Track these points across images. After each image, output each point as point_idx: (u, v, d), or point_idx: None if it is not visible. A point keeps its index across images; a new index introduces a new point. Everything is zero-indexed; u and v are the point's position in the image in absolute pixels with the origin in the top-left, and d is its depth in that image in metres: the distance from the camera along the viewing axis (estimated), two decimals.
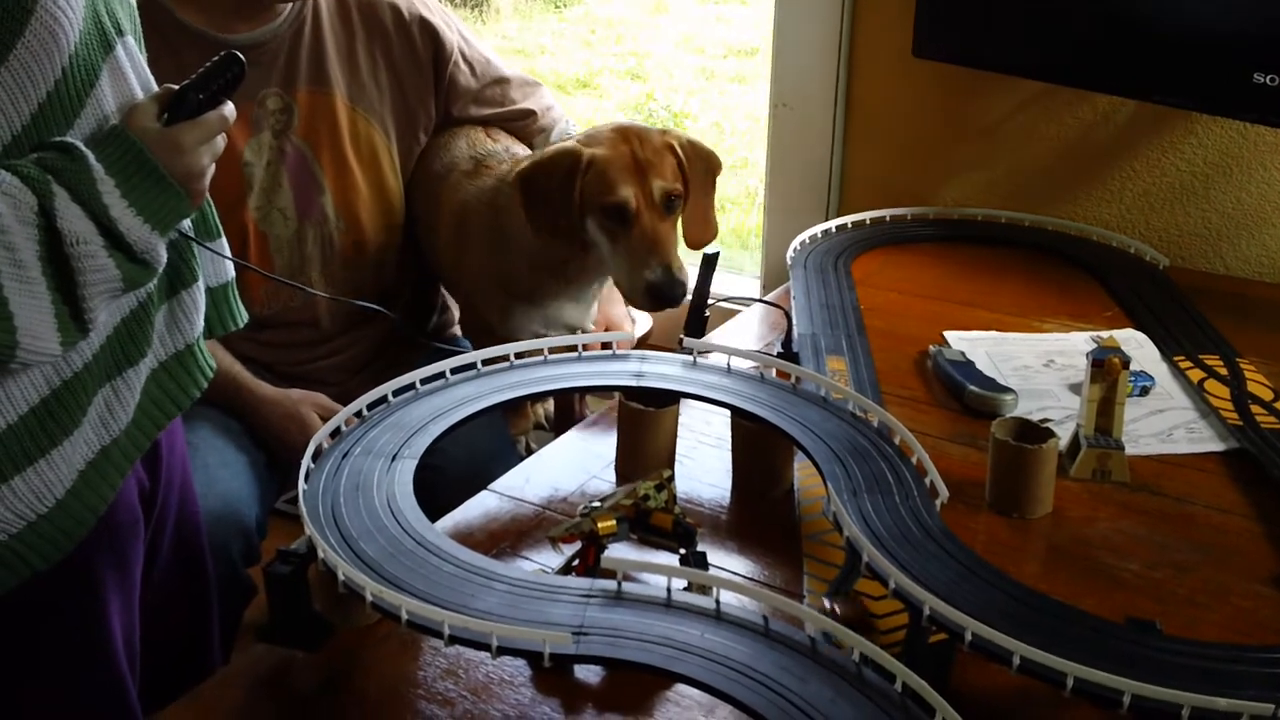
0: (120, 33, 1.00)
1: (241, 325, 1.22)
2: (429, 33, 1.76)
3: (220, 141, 1.03)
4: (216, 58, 1.02)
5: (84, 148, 0.93)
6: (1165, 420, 1.32)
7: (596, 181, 1.55)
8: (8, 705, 1.07)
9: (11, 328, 0.88)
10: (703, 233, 1.65)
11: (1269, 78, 1.45)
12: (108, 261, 0.94)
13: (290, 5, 1.65)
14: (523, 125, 1.85)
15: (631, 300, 1.58)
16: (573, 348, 1.29)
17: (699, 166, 1.62)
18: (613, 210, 1.54)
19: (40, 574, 1.01)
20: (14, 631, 1.05)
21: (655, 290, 1.53)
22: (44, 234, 0.90)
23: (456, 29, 1.81)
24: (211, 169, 1.04)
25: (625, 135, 1.58)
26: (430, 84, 1.77)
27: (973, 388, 1.35)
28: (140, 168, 0.95)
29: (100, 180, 0.92)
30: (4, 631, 1.05)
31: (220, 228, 1.18)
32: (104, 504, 1.04)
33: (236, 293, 1.20)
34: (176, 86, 1.01)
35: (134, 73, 1.02)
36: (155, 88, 1.04)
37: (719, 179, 1.67)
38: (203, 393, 1.16)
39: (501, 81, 1.83)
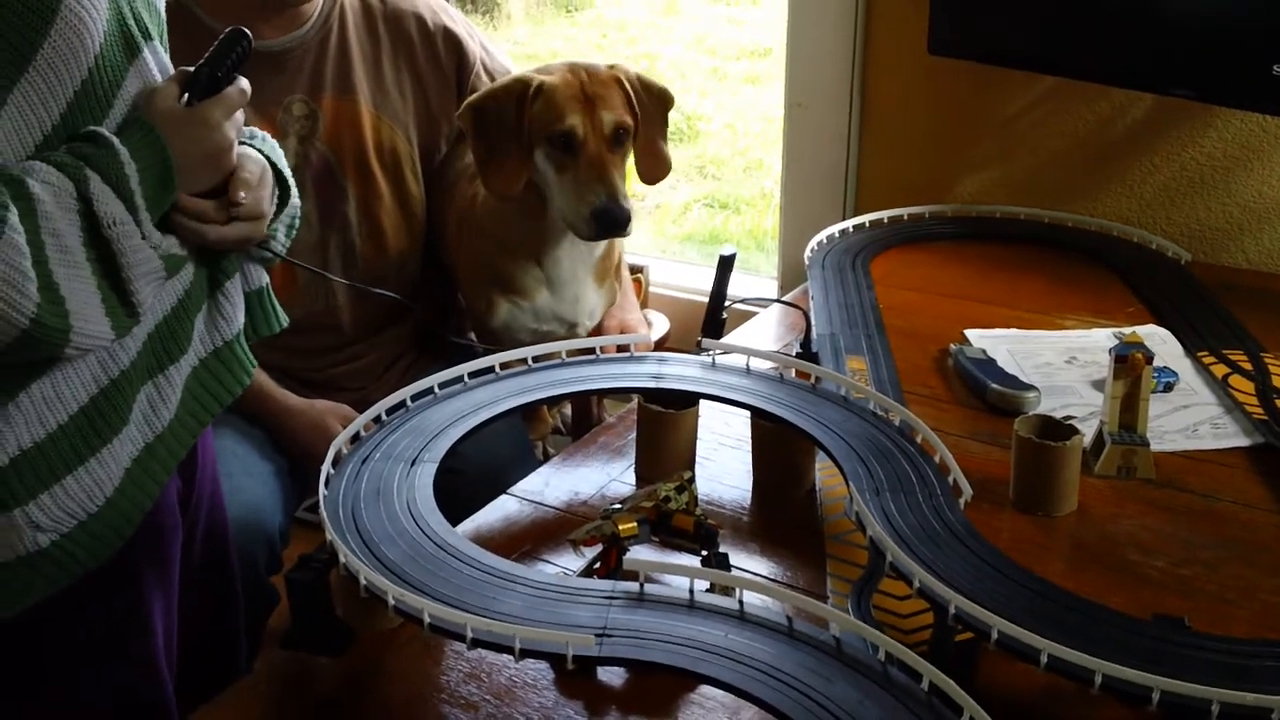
0: (148, 37, 1.02)
1: (280, 329, 1.22)
2: (452, 43, 1.77)
3: (240, 116, 1.05)
4: (222, 35, 1.04)
5: (109, 135, 0.95)
6: (1190, 416, 1.31)
7: (545, 109, 1.56)
8: (54, 701, 1.08)
9: (64, 312, 0.90)
10: (655, 168, 1.66)
11: None
12: (142, 243, 0.95)
13: (316, 12, 1.66)
14: None
15: (576, 229, 1.58)
16: (590, 350, 1.28)
17: (649, 102, 1.63)
18: (559, 139, 1.56)
19: (89, 572, 1.02)
20: (61, 629, 1.06)
21: (600, 215, 1.54)
22: (85, 220, 0.92)
23: (478, 40, 1.81)
24: (237, 143, 1.05)
25: (574, 68, 1.60)
26: (453, 93, 1.78)
27: (995, 385, 1.34)
28: (155, 154, 0.97)
29: (126, 164, 0.94)
30: (51, 629, 1.06)
31: None
32: (150, 501, 1.06)
33: (273, 296, 1.21)
34: (191, 69, 1.02)
35: (160, 76, 1.04)
36: None
37: (670, 115, 1.67)
38: (243, 391, 1.17)
39: None
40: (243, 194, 1.04)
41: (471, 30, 1.81)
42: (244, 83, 1.04)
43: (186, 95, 1.01)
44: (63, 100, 0.93)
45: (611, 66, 1.62)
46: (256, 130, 1.16)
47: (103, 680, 1.10)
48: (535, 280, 1.69)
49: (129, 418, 1.02)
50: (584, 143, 1.56)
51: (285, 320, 1.23)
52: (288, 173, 1.16)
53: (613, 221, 1.54)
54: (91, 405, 0.99)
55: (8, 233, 0.86)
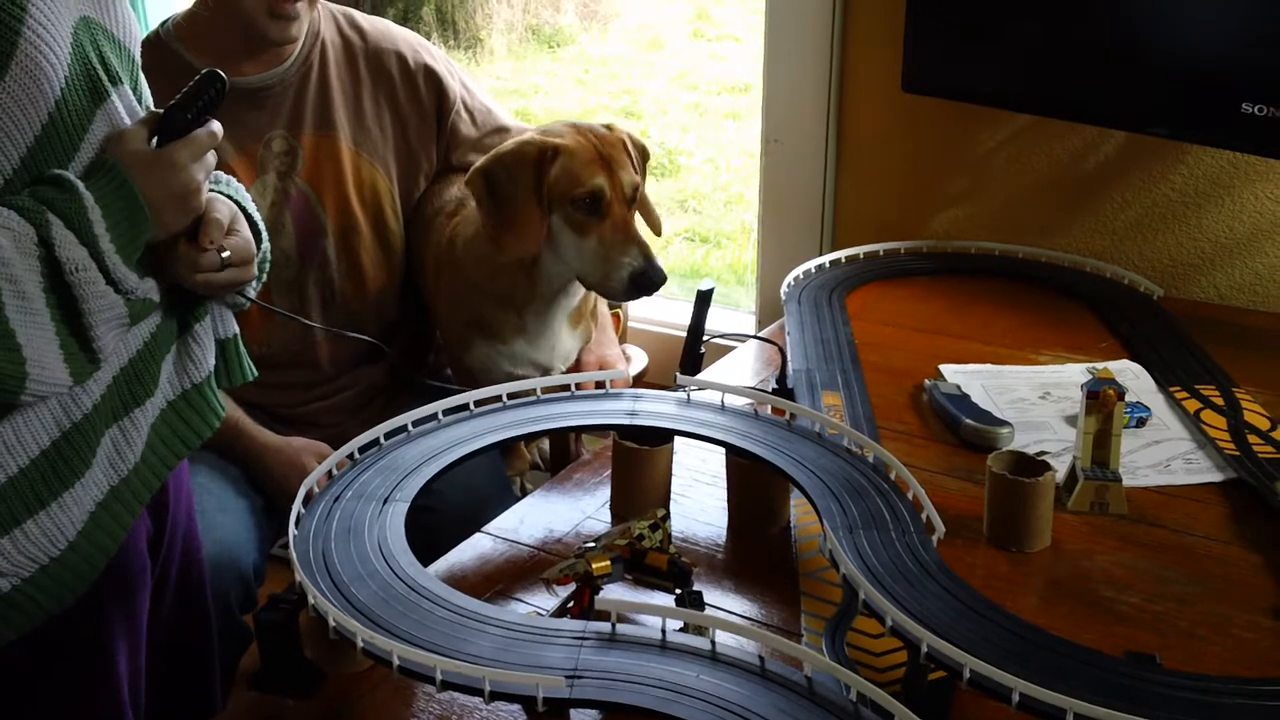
0: (116, 81, 1.02)
1: (249, 379, 1.22)
2: (433, 81, 1.77)
3: (211, 158, 1.05)
4: (197, 77, 1.04)
5: (74, 179, 0.94)
6: (1162, 451, 1.31)
7: (565, 172, 1.55)
8: None
9: (20, 359, 0.89)
10: (654, 219, 1.67)
11: (1257, 107, 1.46)
12: (107, 288, 0.95)
13: (297, 50, 1.66)
14: None
15: (610, 292, 1.57)
16: (566, 387, 1.28)
17: (638, 158, 1.65)
18: (585, 201, 1.55)
19: (51, 617, 1.01)
20: (21, 674, 1.05)
21: (638, 278, 1.53)
22: (45, 265, 0.91)
23: (459, 78, 1.82)
24: (206, 185, 1.05)
25: (579, 129, 1.59)
26: (432, 131, 1.78)
27: (969, 421, 1.34)
28: (122, 196, 0.96)
29: (90, 209, 0.93)
30: (11, 673, 1.04)
31: None
32: (115, 545, 1.05)
33: (243, 346, 1.21)
34: (161, 110, 1.02)
35: (130, 120, 1.03)
36: None
37: (651, 151, 1.70)
38: (212, 435, 1.16)
39: (501, 131, 1.84)
40: (214, 237, 1.04)
41: (452, 68, 1.82)
42: (215, 125, 1.04)
43: (156, 138, 1.01)
44: (22, 145, 0.92)
45: (609, 127, 1.62)
46: (223, 175, 1.16)
47: None
48: (514, 328, 1.69)
49: (92, 461, 1.01)
50: (609, 204, 1.55)
51: (254, 372, 1.23)
52: (258, 218, 1.16)
53: (650, 283, 1.54)
54: (53, 449, 0.98)
55: None
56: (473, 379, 1.71)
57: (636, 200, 1.60)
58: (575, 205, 1.55)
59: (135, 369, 1.05)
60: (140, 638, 1.14)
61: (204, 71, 1.04)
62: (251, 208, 1.15)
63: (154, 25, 1.68)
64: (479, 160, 1.60)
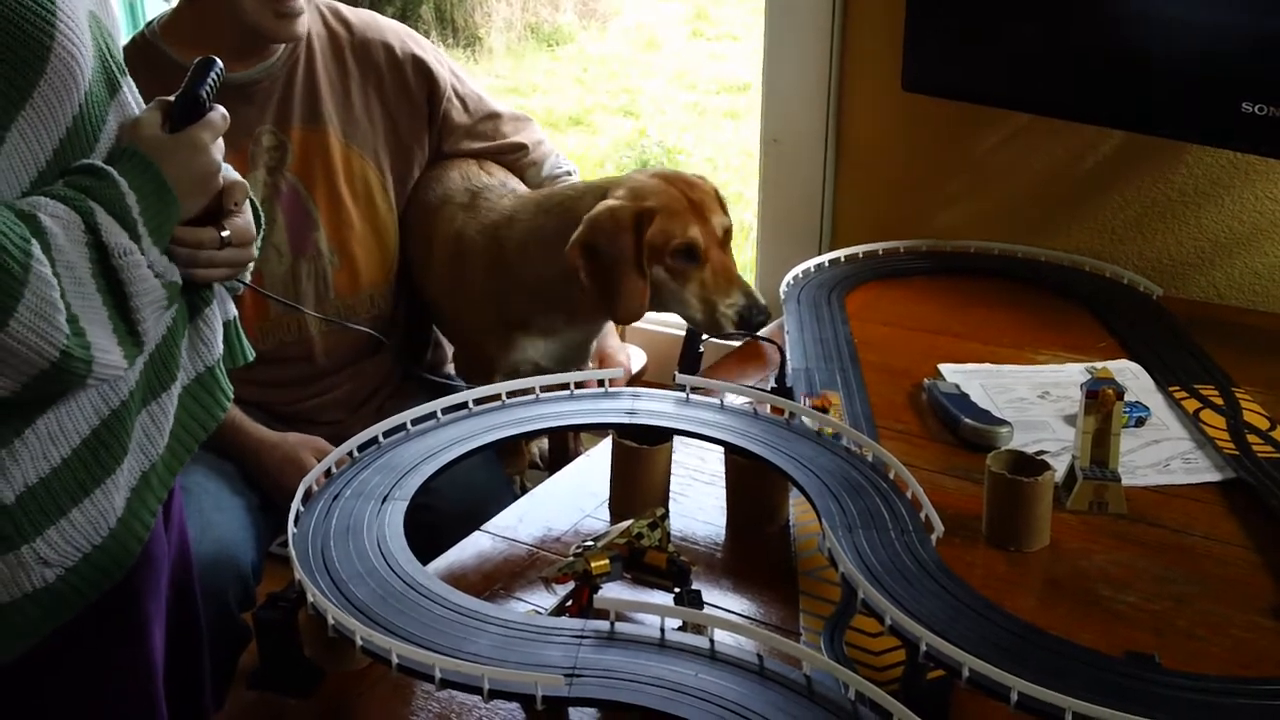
0: (123, 73, 1.04)
1: (249, 361, 1.23)
2: (422, 70, 1.77)
3: (222, 141, 1.06)
4: (195, 63, 1.05)
5: (107, 167, 0.96)
6: (1161, 451, 1.31)
7: (663, 228, 1.56)
8: None
9: (86, 342, 0.91)
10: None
11: (1257, 107, 1.46)
12: (147, 272, 0.96)
13: (283, 44, 1.66)
14: (514, 159, 1.87)
15: (712, 328, 1.60)
16: (565, 386, 1.28)
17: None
18: (683, 251, 1.57)
19: (94, 607, 1.02)
20: (58, 666, 1.05)
21: (744, 317, 1.57)
22: (93, 251, 0.92)
23: (448, 66, 1.82)
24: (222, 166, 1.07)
25: (667, 178, 1.61)
26: (424, 120, 1.78)
27: (968, 420, 1.34)
28: (151, 181, 0.97)
29: (126, 194, 0.95)
30: (48, 666, 1.05)
31: None
32: (146, 531, 1.06)
33: (242, 329, 1.22)
34: (170, 98, 1.04)
35: (137, 110, 1.05)
36: None
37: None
38: (225, 416, 1.17)
39: (493, 117, 1.84)
40: (238, 198, 1.06)
41: (441, 57, 1.82)
42: (222, 109, 1.05)
43: (168, 123, 1.02)
44: (56, 137, 0.94)
45: (700, 179, 1.65)
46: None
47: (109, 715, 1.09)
48: (568, 329, 1.71)
49: (129, 446, 1.03)
50: (706, 250, 1.57)
51: (253, 354, 1.23)
52: (255, 202, 1.17)
53: (754, 321, 1.58)
54: (93, 436, 0.99)
55: (35, 265, 0.86)
56: (493, 373, 1.70)
57: (729, 240, 1.62)
58: (674, 257, 1.57)
59: (161, 353, 1.06)
60: (164, 623, 1.15)
61: (200, 58, 1.05)
62: (251, 194, 1.16)
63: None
64: (575, 234, 1.56)
